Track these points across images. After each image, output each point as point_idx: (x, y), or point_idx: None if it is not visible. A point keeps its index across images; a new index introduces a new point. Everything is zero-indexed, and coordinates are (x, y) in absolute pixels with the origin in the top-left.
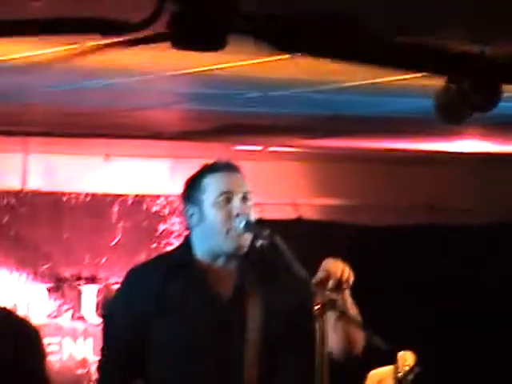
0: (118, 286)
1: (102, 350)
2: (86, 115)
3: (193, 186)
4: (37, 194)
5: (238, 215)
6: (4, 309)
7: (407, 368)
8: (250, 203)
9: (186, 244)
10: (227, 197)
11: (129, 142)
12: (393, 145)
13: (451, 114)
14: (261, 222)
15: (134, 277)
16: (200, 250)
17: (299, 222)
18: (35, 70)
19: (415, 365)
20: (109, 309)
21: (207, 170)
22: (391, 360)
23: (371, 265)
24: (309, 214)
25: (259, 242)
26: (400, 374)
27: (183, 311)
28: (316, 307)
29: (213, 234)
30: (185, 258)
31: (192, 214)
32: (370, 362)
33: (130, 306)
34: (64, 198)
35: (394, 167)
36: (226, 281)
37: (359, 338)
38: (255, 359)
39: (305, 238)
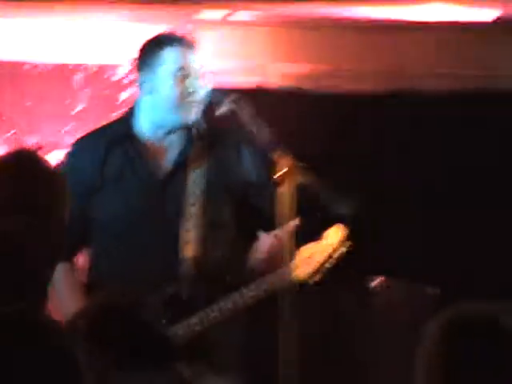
0: None
1: None
2: None
3: (150, 54)
4: None
5: (190, 93)
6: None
7: (337, 244)
8: (203, 80)
9: (129, 115)
10: (184, 73)
11: (90, 8)
12: (356, 11)
13: None
14: (224, 89)
15: (77, 149)
16: (144, 120)
17: (262, 88)
18: None
19: (345, 240)
20: None
21: (166, 40)
22: (319, 237)
23: (336, 132)
24: (273, 80)
25: (223, 109)
26: (330, 250)
27: (123, 183)
28: (278, 173)
29: (163, 107)
30: (125, 131)
31: (144, 81)
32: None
33: (73, 178)
34: (26, 66)
35: (357, 34)
36: (166, 154)
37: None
38: (193, 234)
39: (268, 105)
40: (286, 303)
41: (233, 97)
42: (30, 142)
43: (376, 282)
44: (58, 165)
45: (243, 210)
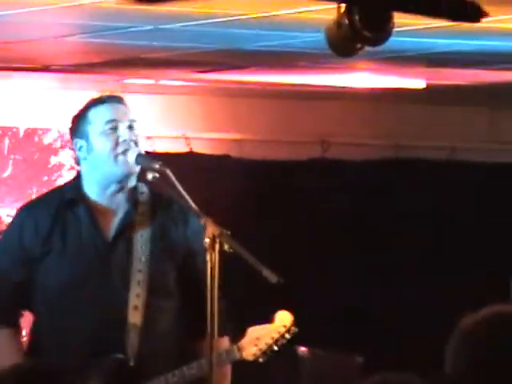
0: (9, 218)
1: None
2: None
3: (79, 120)
4: None
5: (125, 141)
6: None
7: (283, 329)
8: (136, 131)
9: (76, 180)
10: (113, 125)
11: (19, 74)
12: (285, 78)
13: (342, 48)
14: (152, 155)
15: (24, 215)
16: (89, 185)
17: (190, 155)
18: None
19: (292, 325)
20: None
21: (92, 103)
22: (269, 319)
23: (263, 199)
24: (200, 147)
25: (150, 175)
26: (276, 334)
27: (69, 249)
28: (206, 240)
29: (102, 163)
30: (73, 195)
31: (80, 147)
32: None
33: (19, 244)
34: None
35: (285, 101)
36: (112, 219)
37: None
38: (139, 301)
39: (196, 172)
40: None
41: (160, 162)
42: None
43: (303, 350)
44: None
45: (185, 280)
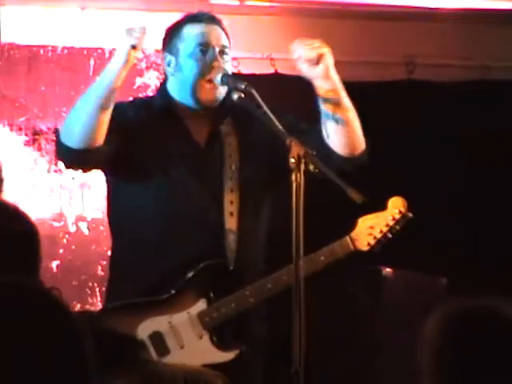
0: None
1: None
2: None
3: (172, 34)
4: (13, 47)
5: (213, 68)
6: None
7: (398, 215)
8: (227, 57)
9: (163, 91)
10: (204, 49)
11: None
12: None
13: None
14: (238, 76)
15: (119, 107)
16: (177, 96)
17: (275, 76)
18: None
19: (406, 211)
20: None
21: (188, 19)
22: (383, 206)
23: None
24: (285, 68)
25: (236, 95)
26: (391, 221)
27: (160, 154)
28: (292, 160)
29: (187, 85)
30: (164, 102)
31: (169, 62)
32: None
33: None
34: (41, 51)
35: (370, 22)
36: (203, 126)
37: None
38: (233, 208)
39: (281, 93)
40: (302, 292)
41: (246, 83)
42: (44, 127)
43: (387, 271)
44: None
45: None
